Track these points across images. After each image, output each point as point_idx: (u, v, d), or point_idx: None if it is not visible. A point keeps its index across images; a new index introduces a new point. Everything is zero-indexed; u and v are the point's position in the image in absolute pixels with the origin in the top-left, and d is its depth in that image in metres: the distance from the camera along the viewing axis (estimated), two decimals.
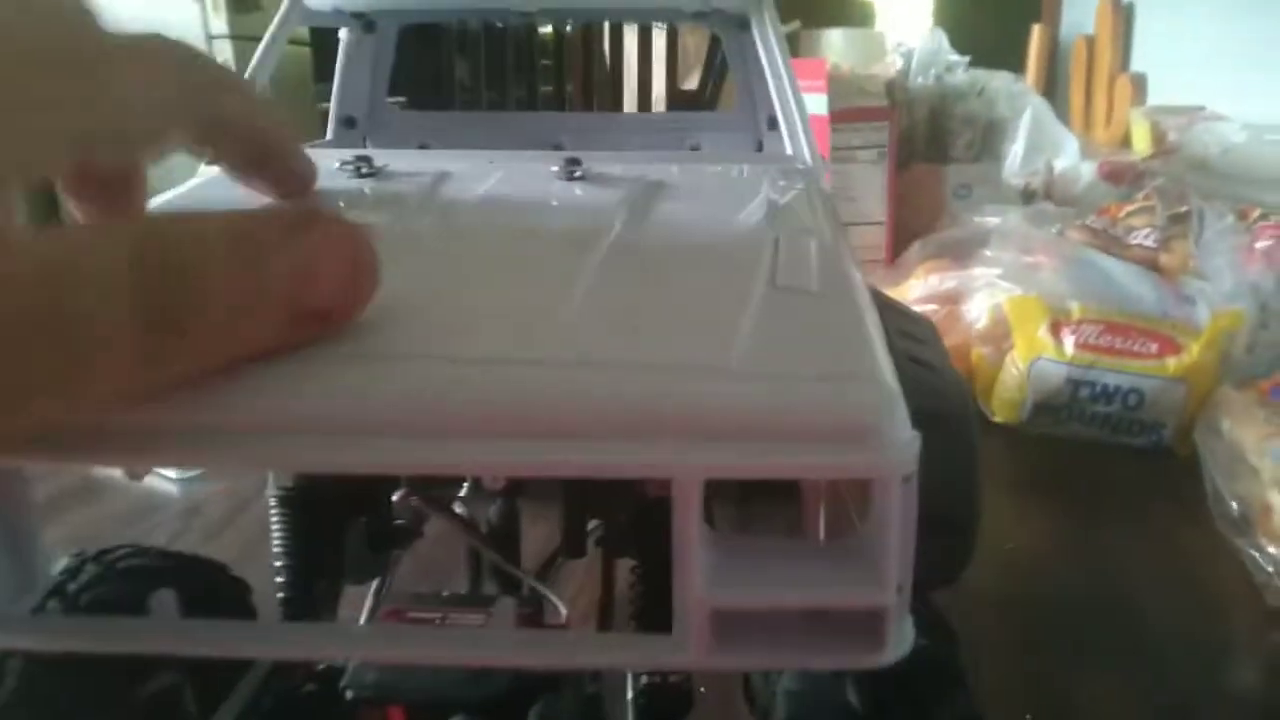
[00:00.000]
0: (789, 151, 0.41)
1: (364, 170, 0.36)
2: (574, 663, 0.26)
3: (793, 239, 0.29)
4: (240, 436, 0.19)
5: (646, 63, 0.58)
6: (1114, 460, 0.87)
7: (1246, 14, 1.82)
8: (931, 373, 0.28)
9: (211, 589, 0.36)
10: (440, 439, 0.19)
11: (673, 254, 0.29)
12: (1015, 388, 0.90)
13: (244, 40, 2.97)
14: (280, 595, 0.37)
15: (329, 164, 0.36)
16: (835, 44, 1.79)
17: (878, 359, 0.22)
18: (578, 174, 0.36)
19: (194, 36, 2.82)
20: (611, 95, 0.66)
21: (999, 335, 0.93)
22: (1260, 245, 0.98)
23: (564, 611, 0.36)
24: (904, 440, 0.21)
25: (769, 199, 0.34)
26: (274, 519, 0.38)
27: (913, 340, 0.29)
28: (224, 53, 2.85)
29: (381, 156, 0.38)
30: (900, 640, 0.22)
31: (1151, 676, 0.58)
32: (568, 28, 0.58)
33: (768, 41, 0.44)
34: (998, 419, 0.91)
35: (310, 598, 0.36)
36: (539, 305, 0.24)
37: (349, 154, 0.37)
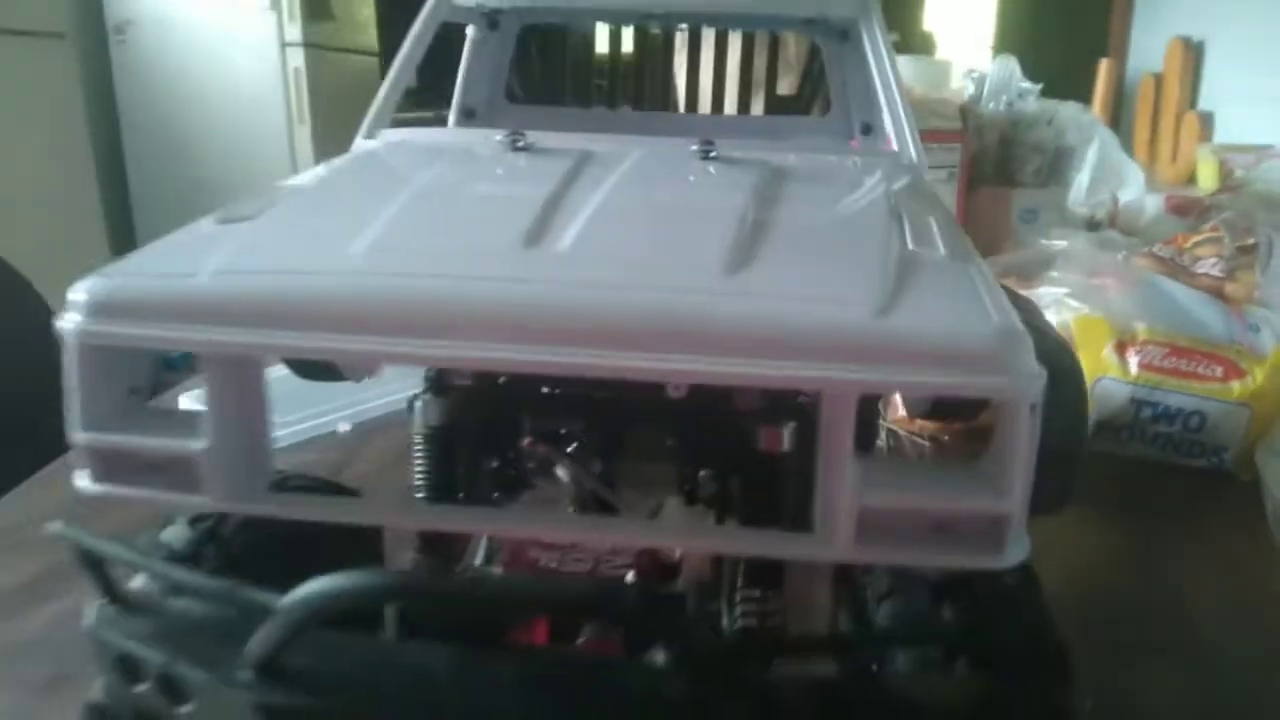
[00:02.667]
0: (895, 148, 0.45)
1: (519, 144, 0.40)
2: (732, 548, 0.29)
3: (915, 214, 0.33)
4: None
5: (748, 68, 0.61)
6: (1175, 481, 0.88)
7: None
8: (1044, 336, 0.31)
9: None
10: (647, 351, 0.23)
11: (809, 220, 0.32)
12: None
13: (317, 48, 3.09)
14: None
15: (488, 139, 0.41)
16: (903, 70, 1.81)
17: (1007, 307, 0.26)
18: (712, 154, 0.39)
19: (269, 44, 2.93)
20: (664, 100, 0.69)
21: None
22: None
23: (677, 553, 0.39)
24: (1033, 371, 0.24)
25: (886, 183, 0.38)
26: (417, 457, 0.42)
27: (1024, 310, 0.33)
28: (296, 60, 2.96)
29: (530, 135, 0.42)
30: (1018, 548, 0.25)
31: (1208, 676, 0.60)
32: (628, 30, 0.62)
33: (876, 46, 0.48)
34: None
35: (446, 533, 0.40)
36: (710, 251, 0.28)
37: (502, 132, 0.42)
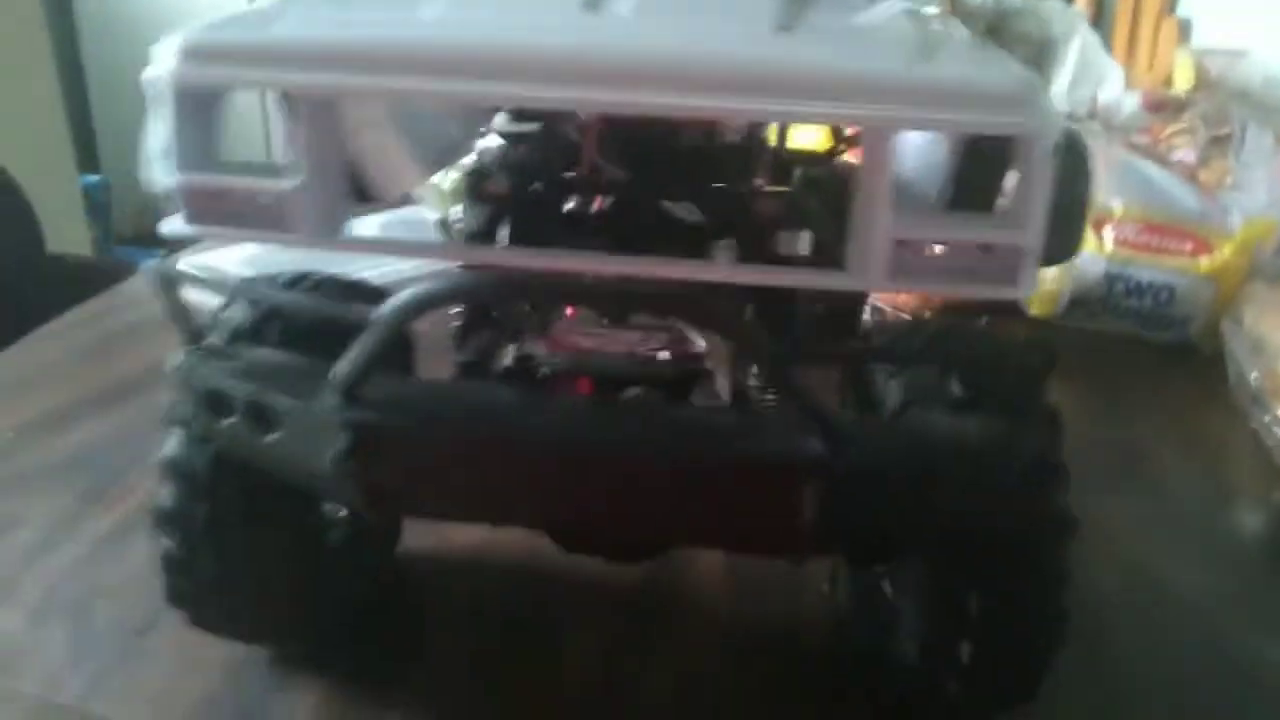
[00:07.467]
0: None
1: None
2: (775, 280, 0.32)
3: (939, 20, 0.36)
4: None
5: None
6: (1142, 352, 0.93)
7: None
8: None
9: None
10: (708, 93, 0.26)
11: (848, 10, 0.35)
12: (1054, 280, 0.95)
13: None
14: None
15: None
16: None
17: (1029, 73, 0.29)
18: None
19: None
20: None
21: None
22: None
23: (702, 343, 0.42)
24: (1053, 114, 0.27)
25: (912, 6, 0.40)
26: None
27: None
28: None
29: None
30: (1030, 282, 0.29)
31: (1159, 506, 0.66)
32: None
33: None
34: (1034, 312, 0.97)
35: None
36: (760, 19, 0.30)
37: None
